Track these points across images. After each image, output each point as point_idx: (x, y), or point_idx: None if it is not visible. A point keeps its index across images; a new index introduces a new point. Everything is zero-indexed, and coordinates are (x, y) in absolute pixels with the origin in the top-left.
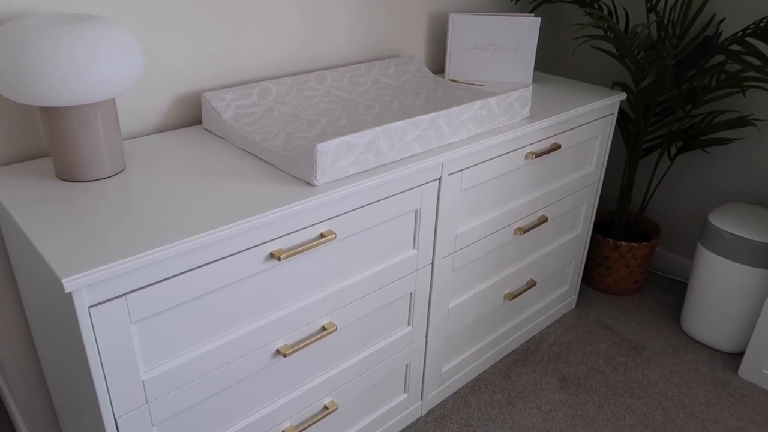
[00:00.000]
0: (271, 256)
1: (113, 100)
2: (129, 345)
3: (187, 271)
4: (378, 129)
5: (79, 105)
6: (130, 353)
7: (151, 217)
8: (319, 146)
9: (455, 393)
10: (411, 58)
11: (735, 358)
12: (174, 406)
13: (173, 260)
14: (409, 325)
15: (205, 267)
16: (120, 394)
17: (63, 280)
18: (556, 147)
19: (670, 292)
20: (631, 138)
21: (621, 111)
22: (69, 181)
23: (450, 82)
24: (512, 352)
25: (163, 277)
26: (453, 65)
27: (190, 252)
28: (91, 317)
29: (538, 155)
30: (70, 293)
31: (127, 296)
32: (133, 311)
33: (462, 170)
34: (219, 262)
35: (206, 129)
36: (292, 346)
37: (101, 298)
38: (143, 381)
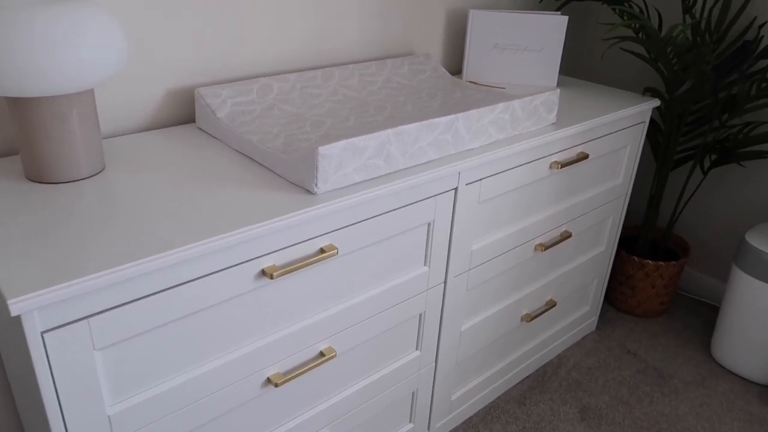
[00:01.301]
0: (263, 273)
1: (92, 91)
2: (92, 375)
3: (161, 291)
4: (389, 131)
5: (53, 96)
6: (93, 384)
7: (126, 227)
8: (321, 149)
9: (465, 422)
10: (426, 57)
11: None
12: None
13: (145, 278)
14: (417, 349)
15: (184, 286)
16: (80, 429)
17: (9, 302)
18: (583, 156)
19: (699, 315)
20: (661, 149)
21: (650, 120)
22: (39, 182)
23: (468, 83)
24: (528, 377)
25: (133, 298)
26: (471, 66)
27: (166, 269)
28: (44, 343)
29: (563, 165)
30: (18, 316)
31: (90, 319)
32: (96, 336)
33: (481, 180)
34: (201, 279)
35: (199, 128)
36: (285, 374)
37: (58, 322)
38: (109, 416)
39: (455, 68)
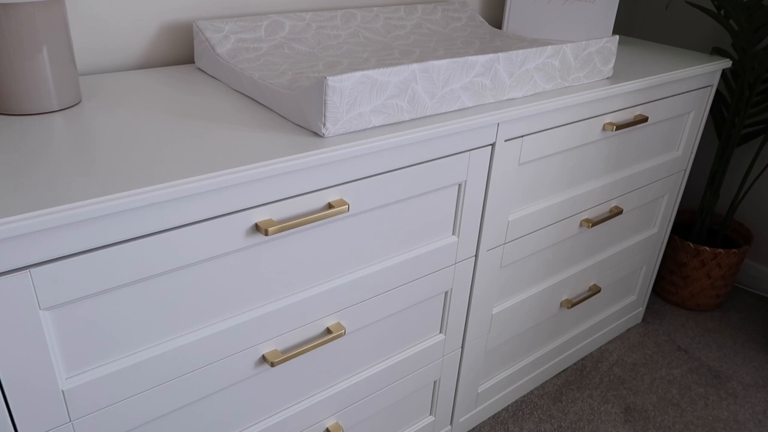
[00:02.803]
0: (257, 228)
1: (61, 1)
2: (39, 340)
3: (130, 240)
4: (415, 66)
5: (13, 2)
6: (42, 352)
7: (92, 164)
8: (331, 80)
9: (493, 417)
10: (463, 4)
11: None
12: (111, 427)
13: (109, 221)
14: (441, 332)
15: (156, 236)
16: (27, 407)
17: None
18: (641, 119)
19: (759, 311)
20: (727, 122)
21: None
22: (0, 113)
23: (509, 35)
24: (564, 371)
25: (94, 246)
26: (513, 17)
27: (134, 211)
28: None
29: (618, 127)
30: None
31: (33, 270)
32: (42, 292)
33: (522, 137)
34: (178, 230)
35: (199, 68)
36: (284, 352)
37: None
38: (63, 391)
39: (495, 20)
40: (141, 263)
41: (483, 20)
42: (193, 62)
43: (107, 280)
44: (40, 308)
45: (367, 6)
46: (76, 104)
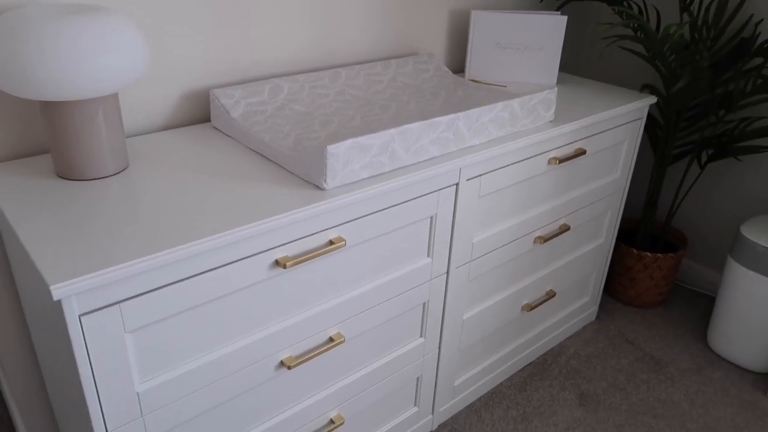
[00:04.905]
0: (277, 263)
1: (116, 94)
2: (123, 355)
3: (185, 279)
4: (393, 131)
5: (81, 99)
6: (124, 364)
7: (150, 220)
8: (330, 147)
9: (468, 407)
10: (430, 57)
11: (764, 378)
12: (170, 420)
13: (170, 267)
14: (421, 336)
15: (205, 274)
16: (113, 406)
17: (51, 287)
18: (580, 152)
19: (696, 306)
20: (660, 144)
21: (649, 116)
22: (69, 179)
23: (470, 82)
24: (529, 365)
25: (160, 285)
26: (474, 65)
27: (189, 259)
28: (82, 326)
29: (561, 161)
30: (59, 301)
31: (122, 304)
32: (127, 320)
33: (481, 175)
34: (220, 269)
35: (214, 127)
36: (297, 357)
37: (93, 306)
38: (138, 393)
39: (458, 67)
40: (195, 295)
41: (447, 70)
42: (209, 121)
43: (170, 308)
44: (125, 332)
45: (350, 64)
46: (125, 169)
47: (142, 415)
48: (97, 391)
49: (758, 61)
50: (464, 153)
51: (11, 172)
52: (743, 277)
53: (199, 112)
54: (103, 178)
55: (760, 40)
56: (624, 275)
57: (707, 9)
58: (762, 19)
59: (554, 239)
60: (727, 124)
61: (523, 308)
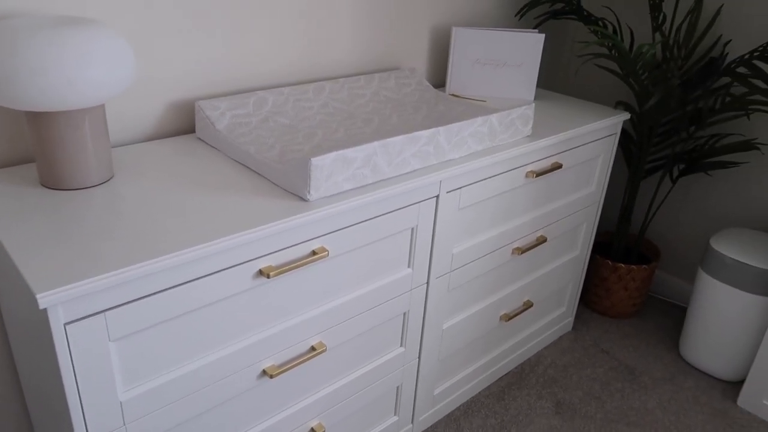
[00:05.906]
0: (260, 273)
1: (102, 105)
2: (107, 364)
3: (170, 288)
4: (376, 144)
5: (67, 110)
6: (108, 373)
7: (135, 230)
8: (314, 160)
9: (447, 416)
10: (412, 72)
11: (734, 387)
12: (153, 429)
13: (155, 276)
14: (401, 345)
15: (189, 284)
16: (96, 415)
17: (38, 296)
18: (557, 166)
19: (669, 316)
20: (633, 159)
21: (623, 131)
22: (54, 189)
23: (451, 96)
24: (507, 374)
25: (145, 294)
26: (454, 80)
27: (173, 268)
28: (66, 334)
29: (538, 174)
30: (45, 309)
31: (106, 313)
32: (112, 329)
33: (460, 188)
34: (205, 278)
35: (199, 138)
36: (280, 366)
37: (78, 315)
38: (121, 402)
39: (439, 82)
40: (180, 304)
41: (429, 84)
42: (193, 132)
43: (153, 317)
44: (109, 340)
45: (334, 77)
46: (110, 179)
47: (124, 424)
48: (80, 400)
49: (727, 80)
50: (444, 166)
51: None
52: (713, 288)
53: (184, 124)
54: (88, 188)
55: (728, 59)
56: (599, 286)
57: (678, 29)
58: (730, 40)
59: (532, 251)
60: (697, 140)
61: (501, 318)
